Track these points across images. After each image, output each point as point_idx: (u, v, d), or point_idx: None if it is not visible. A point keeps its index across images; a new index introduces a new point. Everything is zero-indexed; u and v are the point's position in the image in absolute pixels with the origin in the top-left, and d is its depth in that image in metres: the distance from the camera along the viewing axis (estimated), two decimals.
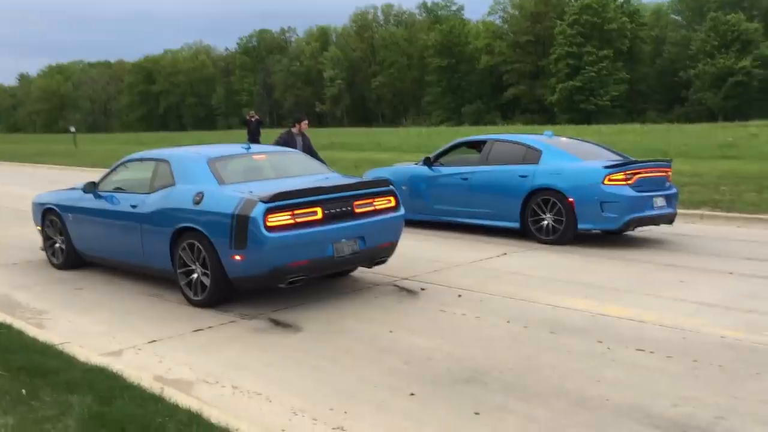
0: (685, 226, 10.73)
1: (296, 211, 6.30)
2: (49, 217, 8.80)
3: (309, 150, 11.59)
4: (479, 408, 4.32)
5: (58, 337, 5.78)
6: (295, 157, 8.16)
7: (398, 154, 26.75)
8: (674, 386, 4.54)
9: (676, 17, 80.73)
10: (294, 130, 12.16)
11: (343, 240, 6.61)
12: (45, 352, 5.26)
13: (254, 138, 23.20)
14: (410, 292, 7.21)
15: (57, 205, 8.66)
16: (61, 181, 17.75)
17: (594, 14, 69.43)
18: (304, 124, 12.24)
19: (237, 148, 7.98)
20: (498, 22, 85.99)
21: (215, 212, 6.44)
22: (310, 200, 6.40)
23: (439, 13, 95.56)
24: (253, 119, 24.85)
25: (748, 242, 9.44)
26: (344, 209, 6.62)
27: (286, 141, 11.79)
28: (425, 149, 21.45)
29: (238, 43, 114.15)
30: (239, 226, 6.20)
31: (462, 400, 4.46)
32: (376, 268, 7.82)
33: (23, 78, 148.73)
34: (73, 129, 51.96)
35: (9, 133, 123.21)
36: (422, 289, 7.27)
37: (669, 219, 9.64)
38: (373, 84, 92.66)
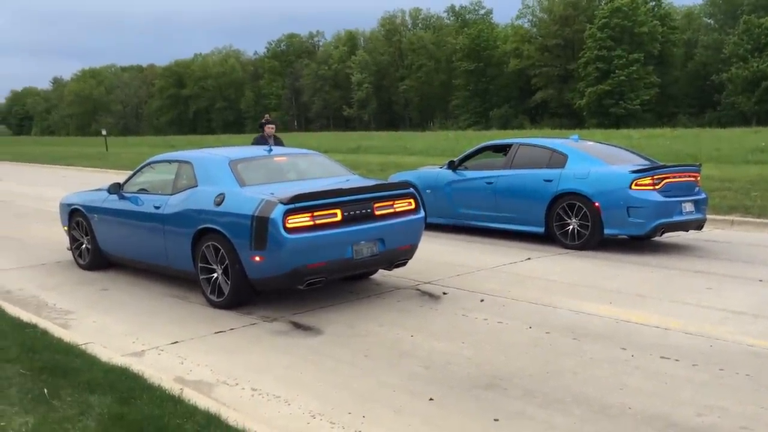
0: (715, 232, 10.54)
1: (316, 213, 6.31)
2: (76, 218, 8.92)
3: None
4: (498, 414, 4.27)
5: (81, 337, 5.84)
6: (316, 159, 8.18)
7: (425, 157, 26.69)
8: (699, 395, 4.45)
9: (708, 21, 79.53)
10: (266, 134, 12.93)
11: (363, 242, 6.60)
12: (68, 352, 5.31)
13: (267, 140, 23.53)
14: (432, 296, 7.17)
15: (83, 206, 8.77)
16: (91, 183, 17.99)
17: (624, 17, 68.63)
18: (268, 128, 12.97)
19: (259, 150, 8.03)
20: (527, 25, 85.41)
21: (235, 213, 6.48)
22: (329, 202, 6.41)
23: (467, 17, 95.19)
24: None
25: None
26: (364, 211, 6.61)
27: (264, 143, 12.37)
28: (452, 153, 21.39)
29: (266, 48, 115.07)
30: (259, 228, 6.22)
31: (481, 405, 4.42)
32: (399, 272, 7.81)
33: (57, 82, 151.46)
34: (104, 132, 52.72)
35: (43, 135, 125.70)
36: (444, 294, 7.22)
37: (698, 225, 9.47)
38: (400, 88, 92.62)
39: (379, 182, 7.51)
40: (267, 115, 27.78)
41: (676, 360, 5.08)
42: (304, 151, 8.65)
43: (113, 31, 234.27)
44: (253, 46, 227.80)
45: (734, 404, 4.29)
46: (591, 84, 70.33)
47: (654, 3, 74.18)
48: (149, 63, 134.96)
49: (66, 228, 9.27)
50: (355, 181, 7.46)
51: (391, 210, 6.89)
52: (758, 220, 11.11)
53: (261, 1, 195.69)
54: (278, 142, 13.28)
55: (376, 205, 6.75)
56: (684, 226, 9.31)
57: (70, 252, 9.20)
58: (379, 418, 4.28)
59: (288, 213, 6.16)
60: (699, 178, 9.76)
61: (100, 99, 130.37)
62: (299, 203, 6.23)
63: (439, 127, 76.95)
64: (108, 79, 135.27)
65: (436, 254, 9.08)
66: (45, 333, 5.85)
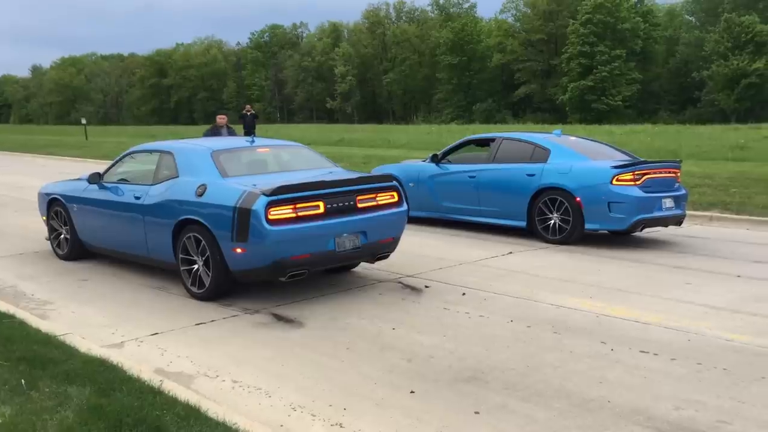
0: (694, 228, 10.64)
1: (298, 205, 6.29)
2: (55, 207, 8.82)
3: None
4: (479, 407, 4.28)
5: (60, 328, 5.78)
6: (299, 151, 8.14)
7: (408, 151, 26.70)
8: (677, 389, 4.49)
9: (690, 18, 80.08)
10: (218, 125, 14.85)
11: (345, 234, 6.59)
12: (46, 343, 5.26)
13: (250, 132, 23.42)
14: (414, 289, 7.18)
15: (62, 196, 8.67)
16: (70, 172, 17.79)
17: (607, 14, 68.96)
18: (219, 118, 15.10)
19: (241, 141, 7.99)
20: (510, 20, 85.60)
21: (217, 205, 6.44)
22: (312, 194, 6.39)
23: (451, 10, 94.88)
24: (248, 113, 25.05)
25: (758, 245, 9.34)
26: (347, 204, 6.60)
27: (214, 133, 14.30)
28: (435, 147, 21.40)
29: (249, 38, 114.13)
30: (241, 219, 6.19)
31: (462, 398, 4.43)
32: (381, 265, 7.81)
33: (36, 70, 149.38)
34: (84, 121, 52.16)
35: (21, 124, 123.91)
36: (426, 287, 7.23)
37: (677, 220, 9.55)
38: (384, 81, 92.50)
39: (362, 175, 7.50)
40: (248, 106, 27.63)
41: (655, 354, 5.13)
42: (288, 142, 8.61)
43: (94, 19, 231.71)
44: (236, 37, 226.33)
45: (712, 398, 4.34)
46: (574, 79, 70.67)
47: (636, 0, 74.59)
48: (130, 52, 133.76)
49: (45, 218, 9.16)
50: (339, 173, 7.44)
51: (374, 203, 6.88)
52: (737, 216, 11.23)
53: None
54: (231, 133, 14.44)
55: (359, 197, 6.73)
56: (664, 222, 9.39)
57: (49, 242, 9.09)
58: (361, 410, 4.28)
59: (270, 204, 6.13)
60: (679, 174, 9.85)
61: (80, 88, 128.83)
62: (282, 195, 6.20)
63: (422, 121, 76.86)
64: (88, 68, 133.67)
65: (419, 247, 9.08)
66: (22, 323, 5.79)
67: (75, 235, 8.54)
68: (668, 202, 9.31)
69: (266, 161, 7.62)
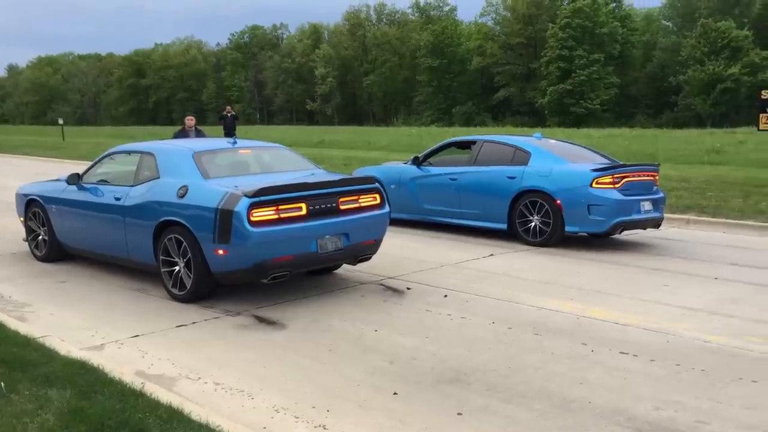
0: (672, 231, 10.78)
1: (281, 207, 6.28)
2: (33, 208, 8.72)
3: None
4: (462, 408, 4.31)
5: (39, 330, 5.71)
6: (280, 152, 8.13)
7: (388, 153, 26.71)
8: (656, 389, 4.55)
9: (667, 23, 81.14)
10: (186, 127, 14.56)
11: (327, 236, 6.60)
12: (25, 345, 5.20)
13: (230, 133, 23.28)
14: (396, 291, 7.19)
15: (40, 197, 8.58)
16: (47, 173, 17.59)
17: (586, 18, 69.67)
18: (188, 120, 14.76)
19: (223, 143, 7.96)
20: (490, 23, 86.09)
21: (199, 206, 6.41)
22: (294, 196, 6.39)
23: (432, 13, 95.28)
24: (229, 114, 24.90)
25: (733, 248, 9.48)
26: (329, 206, 6.61)
27: (184, 136, 13.95)
28: (415, 149, 21.47)
29: (229, 39, 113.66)
30: (223, 221, 6.17)
31: (445, 400, 4.45)
32: (363, 267, 7.81)
33: (12, 69, 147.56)
34: (61, 121, 51.56)
35: None
36: (408, 289, 7.25)
37: (656, 223, 9.67)
38: (364, 83, 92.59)
39: (344, 177, 7.50)
40: (228, 107, 27.48)
41: (635, 355, 5.19)
42: (269, 144, 8.59)
43: (71, 18, 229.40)
44: (216, 37, 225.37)
45: (690, 399, 4.40)
46: (553, 83, 71.25)
47: (615, 4, 75.37)
48: (108, 52, 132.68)
49: (22, 219, 9.05)
50: (321, 175, 7.44)
51: (356, 205, 6.89)
52: (713, 219, 11.39)
53: None
54: (200, 135, 14.05)
55: (341, 199, 6.74)
56: (642, 225, 9.49)
57: (27, 243, 8.99)
58: (344, 412, 4.28)
59: (253, 206, 6.12)
60: (657, 178, 9.97)
61: (57, 87, 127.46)
62: (264, 197, 6.19)
63: (402, 123, 77.04)
64: (65, 68, 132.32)
65: (400, 249, 9.10)
66: (0, 326, 5.72)
67: (53, 236, 8.45)
68: (647, 205, 9.42)
69: (248, 162, 7.60)
